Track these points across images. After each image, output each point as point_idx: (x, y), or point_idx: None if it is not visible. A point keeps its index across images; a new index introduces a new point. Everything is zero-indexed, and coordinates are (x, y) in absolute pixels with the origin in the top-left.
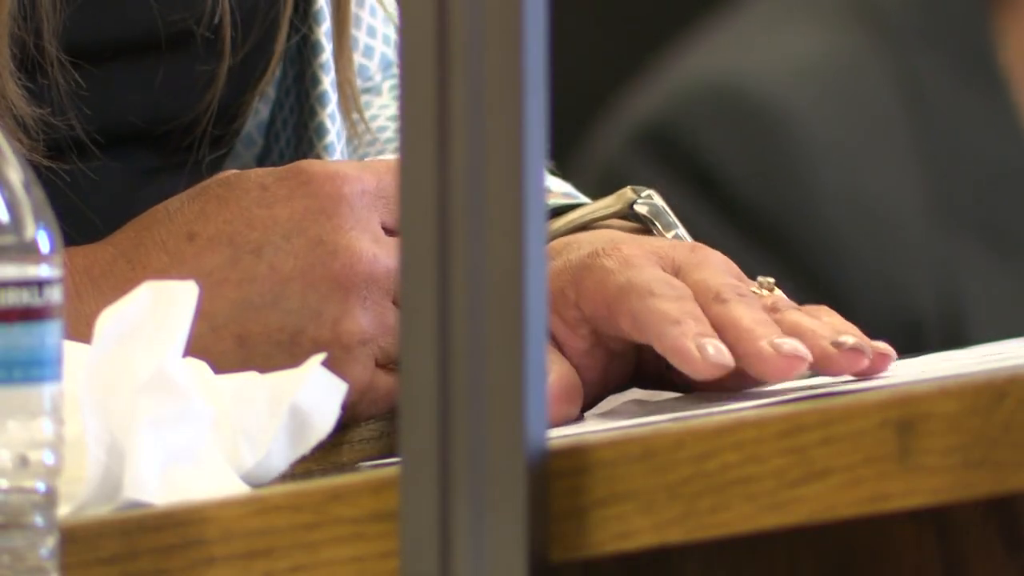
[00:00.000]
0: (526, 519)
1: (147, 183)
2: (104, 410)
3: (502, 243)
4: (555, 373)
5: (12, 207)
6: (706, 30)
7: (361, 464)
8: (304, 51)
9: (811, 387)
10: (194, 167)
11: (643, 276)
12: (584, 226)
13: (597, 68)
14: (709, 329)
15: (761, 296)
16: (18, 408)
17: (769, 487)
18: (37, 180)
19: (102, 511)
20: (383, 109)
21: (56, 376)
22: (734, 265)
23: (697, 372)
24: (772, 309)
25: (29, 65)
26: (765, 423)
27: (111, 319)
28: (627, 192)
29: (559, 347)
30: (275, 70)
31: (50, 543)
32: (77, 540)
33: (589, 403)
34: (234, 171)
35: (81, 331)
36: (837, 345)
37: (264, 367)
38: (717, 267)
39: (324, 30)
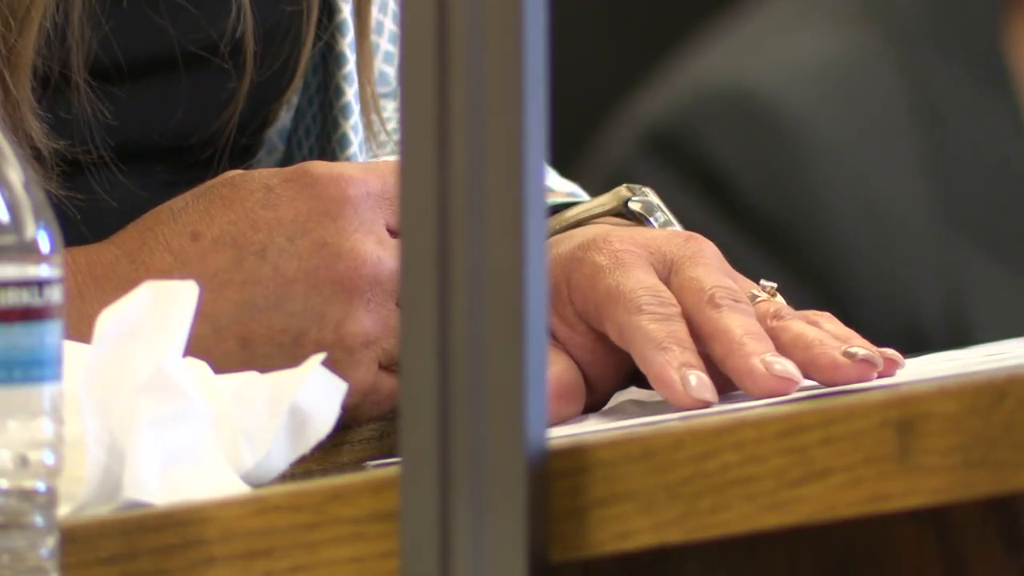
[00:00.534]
0: (526, 519)
1: (167, 197)
2: (104, 410)
3: (502, 243)
4: (554, 371)
5: (12, 207)
6: (715, 33)
7: (361, 464)
8: (328, 61)
9: (811, 387)
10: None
11: (630, 282)
12: (579, 223)
13: (606, 71)
14: (693, 357)
15: (765, 300)
16: (18, 408)
17: (769, 487)
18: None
19: (102, 511)
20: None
21: (56, 376)
22: (726, 262)
23: (678, 403)
24: (775, 316)
25: (52, 91)
26: (765, 423)
27: (111, 319)
28: (622, 190)
29: (563, 345)
30: (299, 84)
31: (50, 543)
32: (77, 540)
33: (601, 399)
34: (239, 171)
35: (83, 331)
36: (849, 355)
37: (266, 369)
38: (711, 264)
39: (348, 41)
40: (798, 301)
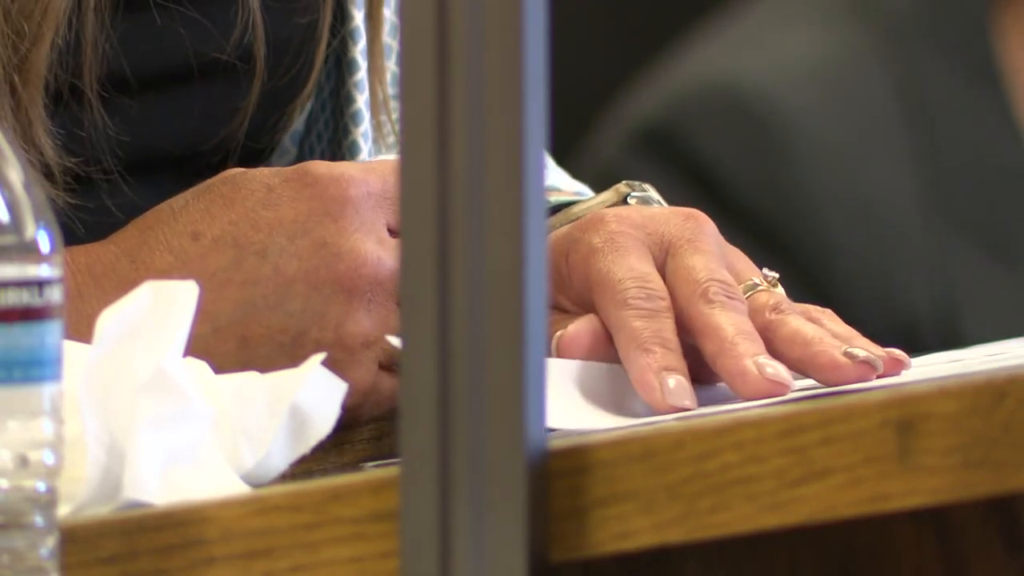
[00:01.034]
0: (526, 519)
1: None
2: (104, 410)
3: (502, 243)
4: (585, 322)
5: (12, 207)
6: (708, 31)
7: (361, 464)
8: (340, 66)
9: (810, 387)
10: None
11: (620, 270)
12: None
13: (599, 68)
14: (676, 359)
15: (764, 290)
16: (18, 408)
17: (769, 487)
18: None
19: (102, 511)
20: None
21: (56, 376)
22: (726, 243)
23: (656, 407)
24: (773, 309)
25: (64, 106)
26: (765, 423)
27: (111, 319)
28: (621, 186)
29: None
30: (311, 90)
31: (50, 543)
32: (77, 540)
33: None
34: (240, 170)
35: (82, 331)
36: (849, 356)
37: (266, 369)
38: (709, 251)
39: (360, 48)
40: (790, 299)
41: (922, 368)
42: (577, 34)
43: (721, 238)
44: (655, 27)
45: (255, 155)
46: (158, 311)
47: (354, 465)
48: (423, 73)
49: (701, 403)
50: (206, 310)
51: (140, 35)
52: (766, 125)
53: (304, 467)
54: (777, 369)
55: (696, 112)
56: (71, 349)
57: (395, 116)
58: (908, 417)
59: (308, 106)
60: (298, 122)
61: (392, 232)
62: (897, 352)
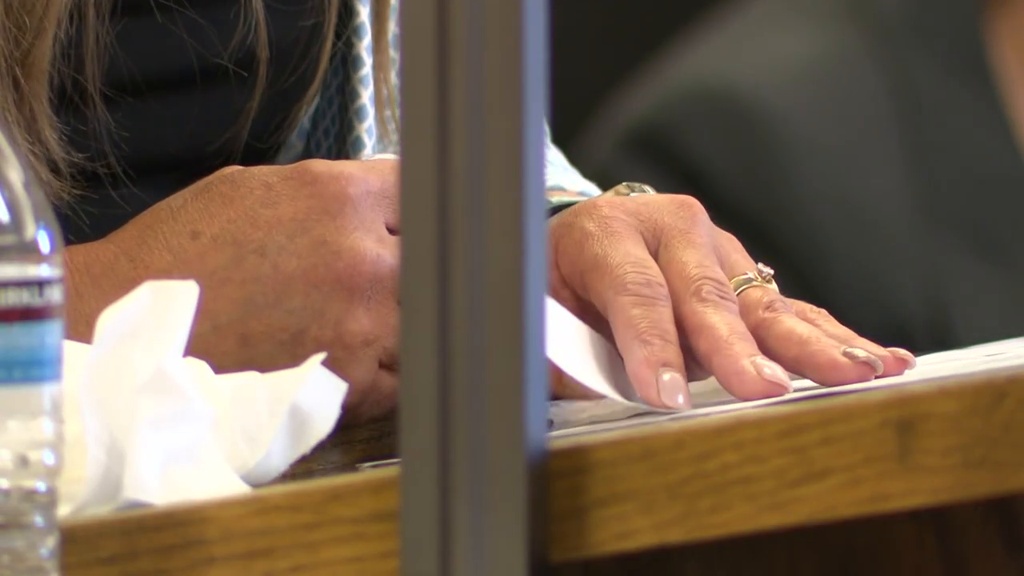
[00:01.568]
0: (526, 519)
1: None
2: (104, 410)
3: (502, 243)
4: None
5: (12, 207)
6: (699, 32)
7: (361, 464)
8: (346, 63)
9: (811, 387)
10: None
11: (617, 255)
12: None
13: (590, 69)
14: (674, 352)
15: (758, 286)
16: (18, 408)
17: (769, 487)
18: (68, 206)
19: (102, 511)
20: None
21: (56, 376)
22: (720, 232)
23: (649, 403)
24: (767, 307)
25: (68, 103)
26: (765, 423)
27: (111, 319)
28: (621, 188)
29: None
30: (317, 89)
31: (50, 543)
32: (77, 540)
33: None
34: (238, 168)
35: (81, 330)
36: (849, 356)
37: (266, 367)
38: (702, 244)
39: (365, 44)
40: (780, 292)
41: (922, 368)
42: (566, 35)
43: (714, 226)
44: (648, 28)
45: (260, 154)
46: (158, 311)
47: (354, 465)
48: (423, 73)
49: (696, 404)
50: (206, 308)
51: (141, 36)
52: (758, 126)
53: (304, 467)
54: (775, 370)
55: (688, 113)
56: (71, 349)
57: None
58: (908, 417)
59: (315, 102)
60: (304, 119)
61: (391, 231)
62: (901, 352)
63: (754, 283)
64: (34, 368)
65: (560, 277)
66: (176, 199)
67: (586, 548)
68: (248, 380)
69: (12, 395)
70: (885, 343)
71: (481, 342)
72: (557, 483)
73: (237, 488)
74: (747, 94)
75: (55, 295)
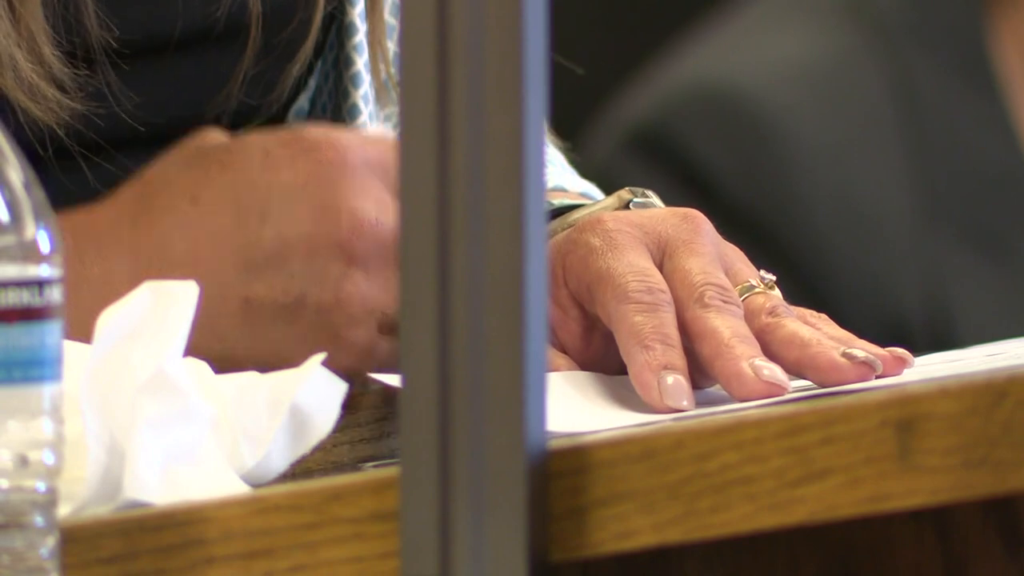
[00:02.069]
0: (526, 519)
1: None
2: (104, 410)
3: (502, 243)
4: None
5: (12, 207)
6: (700, 32)
7: (361, 464)
8: (340, 35)
9: (811, 387)
10: None
11: (621, 266)
12: None
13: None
14: (677, 356)
15: (760, 293)
16: (18, 408)
17: (769, 487)
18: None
19: (102, 511)
20: None
21: (56, 376)
22: (724, 242)
23: (653, 407)
24: (770, 312)
25: (73, 56)
26: (765, 423)
27: (111, 319)
28: (624, 192)
29: (552, 331)
30: (308, 52)
31: (50, 543)
32: (77, 540)
33: None
34: (230, 137)
35: (83, 295)
36: (848, 357)
37: (269, 331)
38: (706, 253)
39: (358, 12)
40: (783, 296)
41: (922, 368)
42: (566, 34)
43: (718, 237)
44: (649, 27)
45: (252, 117)
46: (158, 311)
47: (354, 465)
48: (423, 73)
49: (699, 405)
50: (209, 270)
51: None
52: (758, 126)
53: (304, 467)
54: (773, 371)
55: (688, 113)
56: (71, 349)
57: (396, 73)
58: (908, 417)
59: (312, 84)
60: (303, 101)
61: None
62: (900, 351)
63: (757, 290)
64: (34, 368)
65: (568, 294)
66: (170, 166)
67: (586, 548)
68: (248, 380)
69: (12, 395)
70: (885, 342)
71: (481, 342)
72: (557, 483)
73: (237, 488)
74: (748, 94)
75: (55, 295)
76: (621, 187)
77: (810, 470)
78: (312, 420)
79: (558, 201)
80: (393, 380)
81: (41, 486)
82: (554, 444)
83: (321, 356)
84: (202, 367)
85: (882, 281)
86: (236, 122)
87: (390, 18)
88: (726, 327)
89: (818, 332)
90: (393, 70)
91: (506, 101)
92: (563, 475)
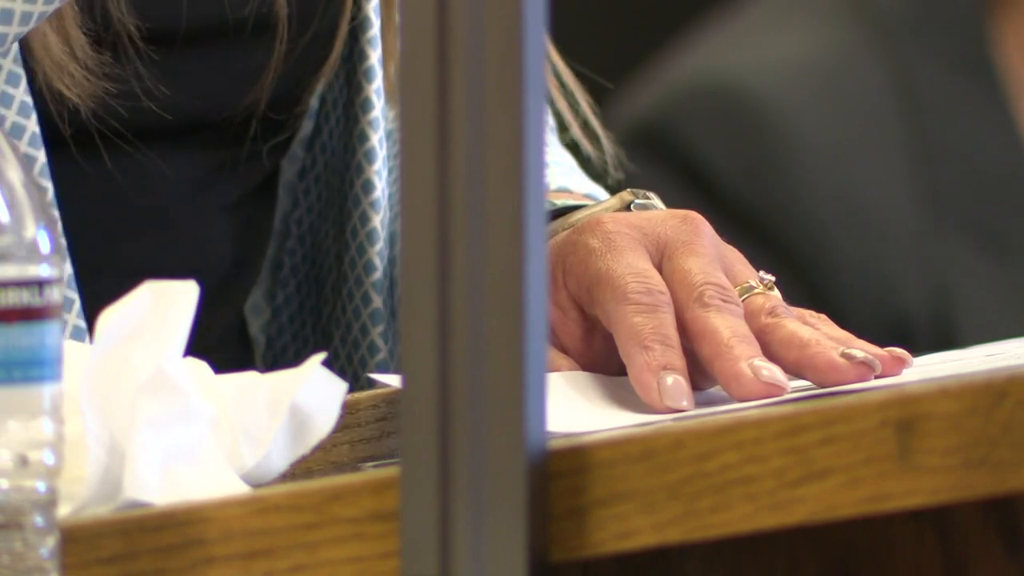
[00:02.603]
0: (526, 519)
1: (207, 173)
2: (104, 410)
3: (502, 243)
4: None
5: (12, 207)
6: (702, 30)
7: (361, 464)
8: (355, 28)
9: (810, 387)
10: (252, 155)
11: (620, 267)
12: None
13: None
14: (676, 356)
15: (760, 294)
16: (18, 408)
17: (769, 487)
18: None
19: (102, 511)
20: None
21: (56, 376)
22: (723, 244)
23: (653, 407)
24: (769, 313)
25: (102, 39)
26: (765, 423)
27: (111, 319)
28: (625, 194)
29: (553, 333)
30: (338, 55)
31: (50, 543)
32: (77, 540)
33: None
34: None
35: None
36: (847, 357)
37: None
38: (705, 253)
39: (372, 6)
40: (782, 295)
41: (922, 368)
42: (568, 32)
43: (718, 239)
44: (651, 25)
45: (280, 127)
46: (158, 311)
47: (354, 465)
48: (423, 73)
49: (699, 405)
50: None
51: None
52: (761, 123)
53: (304, 467)
54: (773, 371)
55: (690, 111)
56: (71, 349)
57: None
58: (908, 417)
59: (321, 81)
60: (312, 99)
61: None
62: (899, 351)
63: (756, 291)
64: (34, 368)
65: (568, 295)
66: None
67: (586, 548)
68: (248, 380)
69: (12, 395)
70: (888, 340)
71: (481, 342)
72: (557, 483)
73: (237, 488)
74: (750, 91)
75: (55, 295)
76: (623, 185)
77: (810, 470)
78: (312, 420)
79: (561, 202)
80: (393, 380)
81: (41, 486)
82: (554, 444)
83: (321, 356)
84: (202, 367)
85: (884, 279)
86: (263, 125)
87: None
88: (726, 327)
89: (817, 332)
90: None
91: (506, 101)
92: (563, 475)
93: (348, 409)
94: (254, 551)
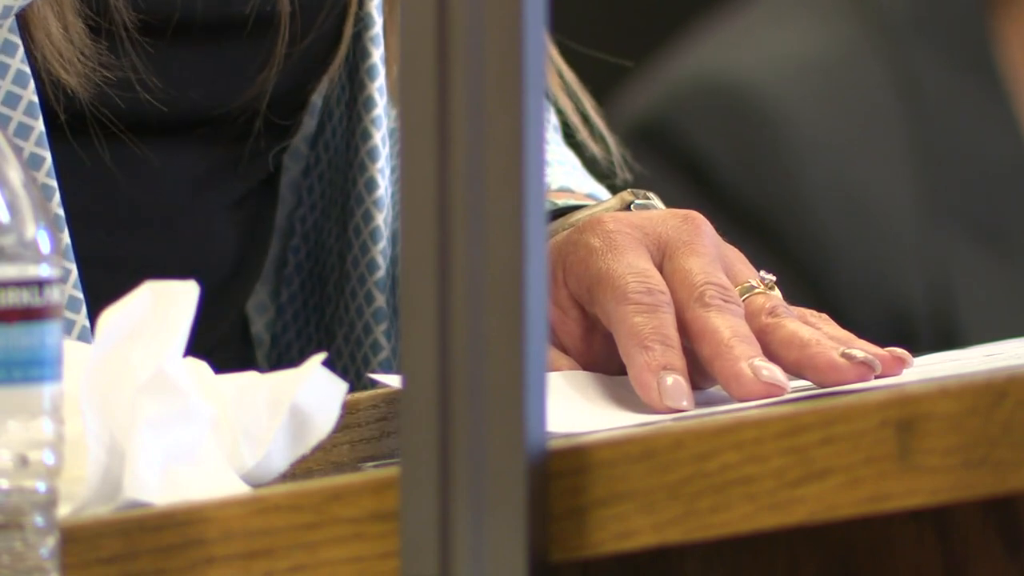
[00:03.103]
0: (526, 519)
1: (209, 170)
2: (104, 410)
3: (502, 243)
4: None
5: (12, 207)
6: (702, 26)
7: (361, 464)
8: (357, 25)
9: (811, 387)
10: (254, 153)
11: (620, 267)
12: None
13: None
14: (676, 356)
15: (760, 293)
16: (18, 408)
17: (769, 487)
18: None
19: (102, 511)
20: None
21: (56, 376)
22: (724, 243)
23: (652, 407)
24: (770, 313)
25: (100, 28)
26: (765, 423)
27: (111, 319)
28: (626, 194)
29: (553, 333)
30: (343, 58)
31: (50, 543)
32: (77, 540)
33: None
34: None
35: None
36: (847, 357)
37: None
38: (706, 253)
39: (375, 4)
40: (783, 294)
41: (922, 368)
42: (569, 29)
43: (719, 239)
44: (652, 22)
45: (284, 130)
46: (158, 311)
47: (354, 465)
48: (423, 73)
49: (699, 405)
50: None
51: None
52: (762, 120)
53: (304, 467)
54: (772, 371)
55: (691, 108)
56: (71, 349)
57: None
58: (908, 417)
59: (324, 79)
60: (316, 97)
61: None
62: (899, 351)
63: (757, 290)
64: (34, 368)
65: (568, 295)
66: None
67: (586, 548)
68: (248, 380)
69: (12, 395)
70: (889, 338)
71: (481, 342)
72: (557, 483)
73: (237, 488)
74: (751, 88)
75: (55, 295)
76: (631, 185)
77: (810, 470)
78: (312, 420)
79: (562, 201)
80: (393, 380)
81: (41, 486)
82: (554, 444)
83: (321, 356)
84: (202, 367)
85: (885, 277)
86: (266, 123)
87: None
88: (726, 327)
89: (818, 332)
90: None
91: (506, 101)
92: (563, 475)
93: (348, 409)
94: (254, 551)
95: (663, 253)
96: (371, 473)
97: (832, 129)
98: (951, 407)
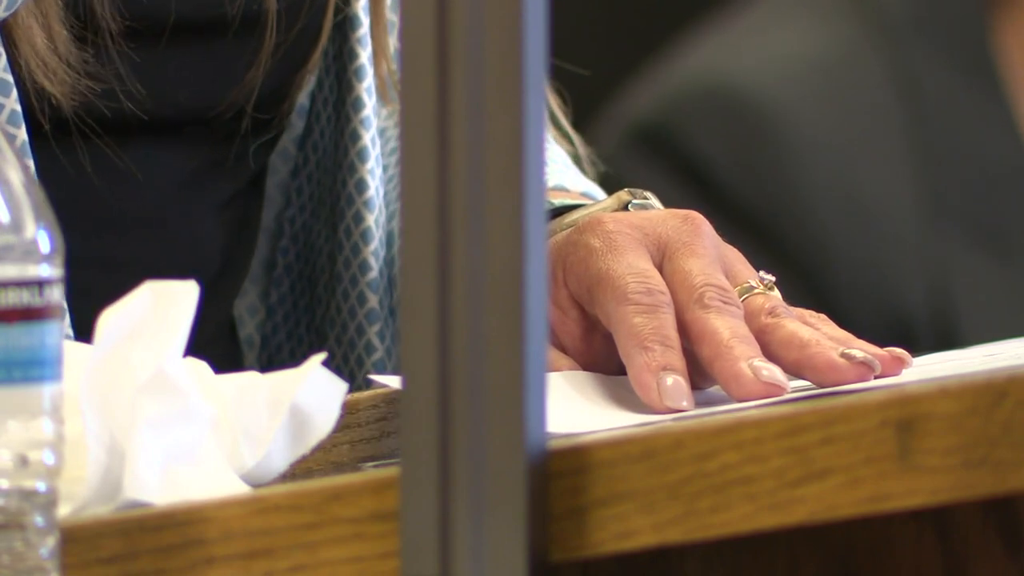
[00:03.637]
0: (526, 519)
1: (195, 171)
2: (104, 410)
3: (502, 243)
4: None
5: (12, 207)
6: (702, 29)
7: (361, 464)
8: (343, 27)
9: (810, 387)
10: (241, 154)
11: (620, 267)
12: None
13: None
14: (676, 357)
15: (760, 294)
16: (18, 408)
17: (769, 487)
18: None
19: (102, 511)
20: None
21: (56, 376)
22: (724, 244)
23: (652, 407)
24: (769, 313)
25: (85, 36)
26: (765, 423)
27: (111, 319)
28: (623, 194)
29: (553, 333)
30: (322, 52)
31: (50, 543)
32: (77, 540)
33: None
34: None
35: None
36: (847, 357)
37: None
38: (705, 254)
39: (361, 4)
40: (783, 294)
41: (922, 368)
42: (568, 31)
43: (718, 239)
44: (652, 24)
45: (266, 126)
46: (158, 311)
47: (354, 465)
48: (423, 73)
49: (699, 405)
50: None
51: None
52: (762, 122)
53: (304, 467)
54: (772, 372)
55: (691, 109)
56: (71, 349)
57: (397, 70)
58: (908, 417)
59: (312, 80)
60: (303, 97)
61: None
62: (898, 351)
63: (756, 291)
64: (34, 368)
65: (568, 295)
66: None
67: (586, 548)
68: (248, 380)
69: (12, 395)
70: (888, 340)
71: (481, 342)
72: (557, 483)
73: (237, 488)
74: (751, 90)
75: (55, 295)
76: (624, 184)
77: (810, 470)
78: (312, 420)
79: (558, 201)
80: (392, 381)
81: (41, 486)
82: (554, 444)
83: (321, 356)
84: (202, 367)
85: (885, 278)
86: (252, 123)
87: (391, 15)
88: (726, 328)
89: (817, 332)
90: (394, 66)
91: (506, 101)
92: (563, 475)
93: (348, 409)
94: (254, 551)
95: (663, 253)
96: (371, 473)
97: (832, 130)
98: (951, 407)
